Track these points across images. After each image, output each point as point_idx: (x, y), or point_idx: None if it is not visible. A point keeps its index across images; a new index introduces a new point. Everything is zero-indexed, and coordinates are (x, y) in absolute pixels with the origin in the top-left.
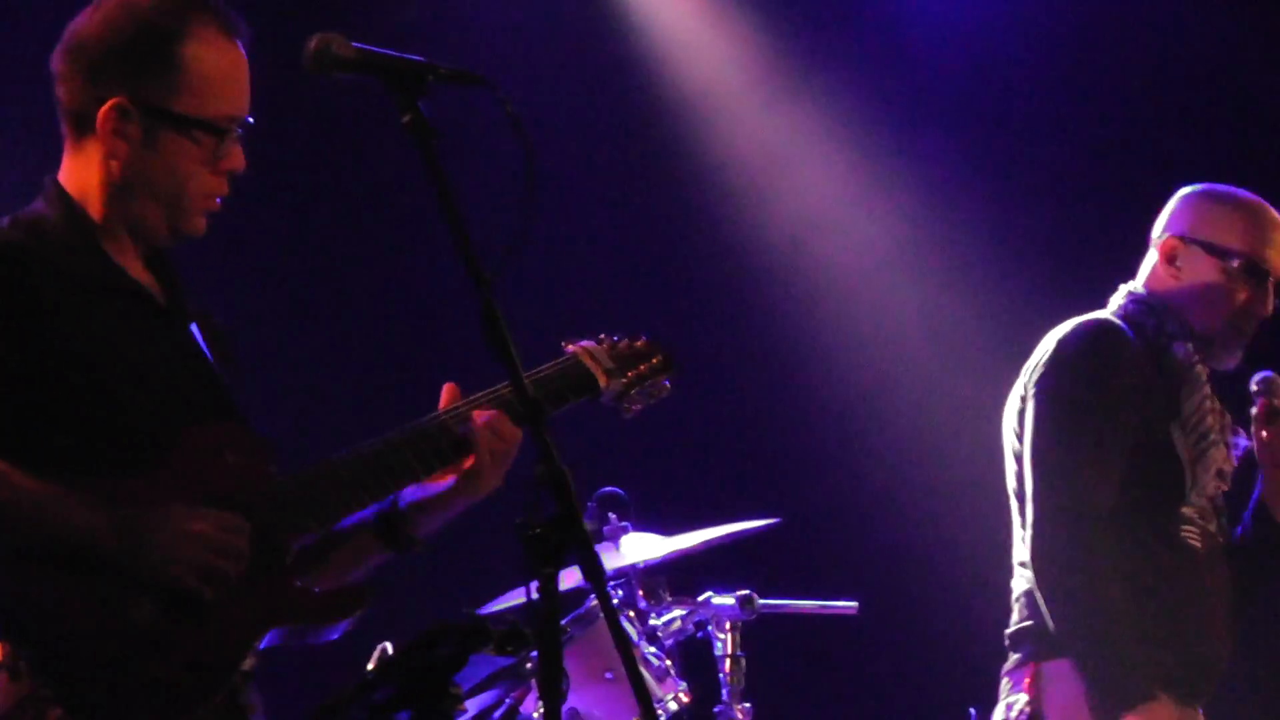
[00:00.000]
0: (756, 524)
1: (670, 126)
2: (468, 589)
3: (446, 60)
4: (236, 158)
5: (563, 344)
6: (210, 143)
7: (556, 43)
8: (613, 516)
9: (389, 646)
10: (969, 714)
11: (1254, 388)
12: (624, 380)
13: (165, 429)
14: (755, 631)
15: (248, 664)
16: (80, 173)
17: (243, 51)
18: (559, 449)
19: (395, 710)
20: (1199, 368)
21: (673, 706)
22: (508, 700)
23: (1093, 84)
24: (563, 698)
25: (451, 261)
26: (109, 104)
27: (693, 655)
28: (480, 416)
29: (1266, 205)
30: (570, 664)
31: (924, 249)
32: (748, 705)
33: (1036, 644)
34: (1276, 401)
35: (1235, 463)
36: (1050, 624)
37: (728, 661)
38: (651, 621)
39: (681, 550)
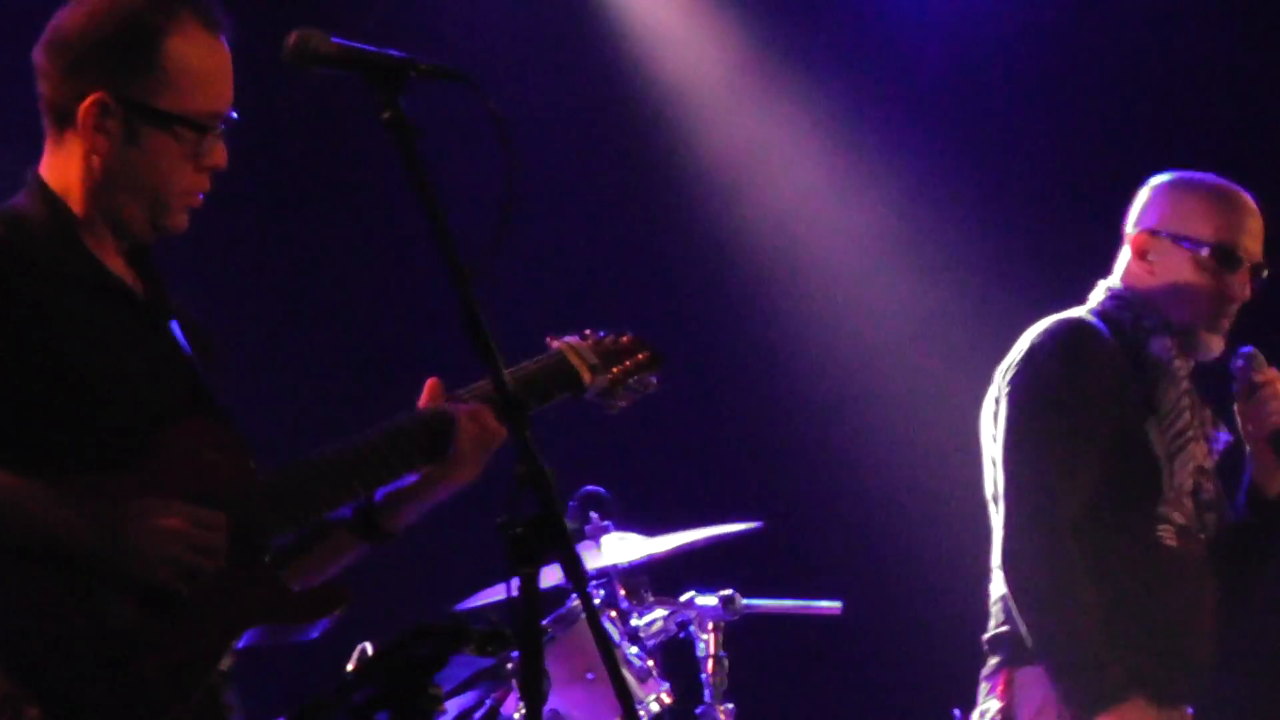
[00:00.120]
0: (737, 527)
1: (652, 122)
2: (447, 588)
3: (426, 56)
4: (219, 154)
5: (547, 339)
6: (192, 139)
7: (537, 39)
8: (594, 515)
9: (369, 647)
10: (953, 715)
11: (1236, 363)
12: (609, 376)
13: (145, 426)
14: (738, 632)
15: (226, 663)
16: (62, 167)
17: (226, 47)
18: (540, 447)
19: (375, 711)
20: (1177, 363)
21: (655, 707)
22: (488, 701)
23: (1078, 75)
24: (544, 698)
25: (434, 257)
26: (90, 99)
27: (675, 655)
28: (463, 408)
29: (1235, 189)
30: (551, 664)
31: (910, 246)
32: (730, 706)
33: (1011, 649)
34: (1257, 376)
35: (1216, 458)
36: (1023, 629)
37: (710, 662)
38: (633, 621)
39: (664, 550)
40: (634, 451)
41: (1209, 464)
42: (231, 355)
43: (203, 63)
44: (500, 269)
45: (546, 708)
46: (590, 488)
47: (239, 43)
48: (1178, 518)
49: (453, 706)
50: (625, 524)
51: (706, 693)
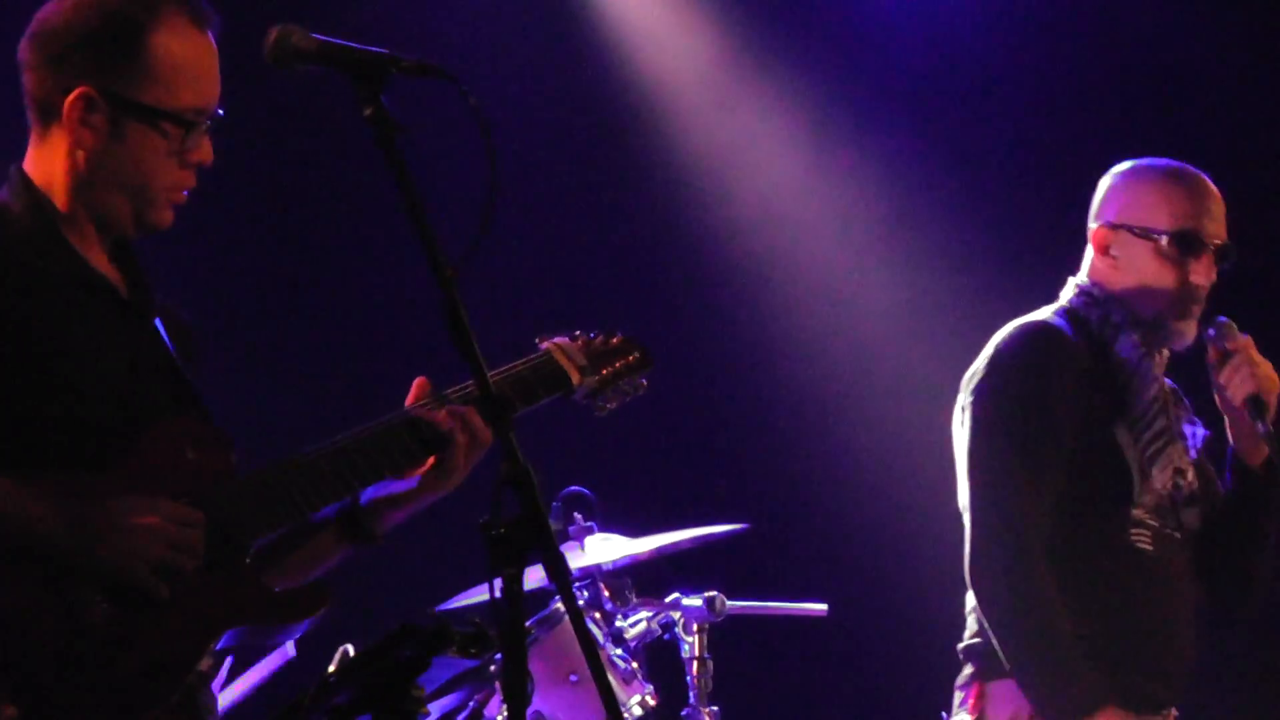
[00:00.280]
0: (722, 529)
1: (634, 120)
2: (430, 589)
3: (408, 53)
4: (204, 150)
5: (536, 340)
6: (178, 134)
7: (519, 37)
8: (578, 516)
9: (350, 648)
10: (940, 718)
11: (1208, 333)
12: (598, 378)
13: (126, 424)
14: (723, 633)
15: (205, 664)
16: (46, 162)
17: (213, 42)
18: (524, 447)
19: (357, 713)
20: (1147, 360)
21: (638, 710)
22: (471, 703)
23: (1058, 68)
24: (527, 700)
25: (419, 255)
26: (75, 93)
27: (659, 657)
28: (452, 411)
29: (1190, 172)
30: (535, 666)
31: (896, 244)
32: (715, 708)
33: (982, 662)
34: (1228, 344)
35: (1194, 454)
36: (994, 643)
37: (695, 664)
38: (617, 623)
39: (648, 552)
40: (618, 452)
41: (1186, 464)
42: (215, 353)
43: (189, 57)
44: (481, 266)
45: (530, 710)
46: (574, 488)
47: (222, 39)
48: (1152, 521)
49: (436, 709)
50: (609, 525)
51: (691, 695)
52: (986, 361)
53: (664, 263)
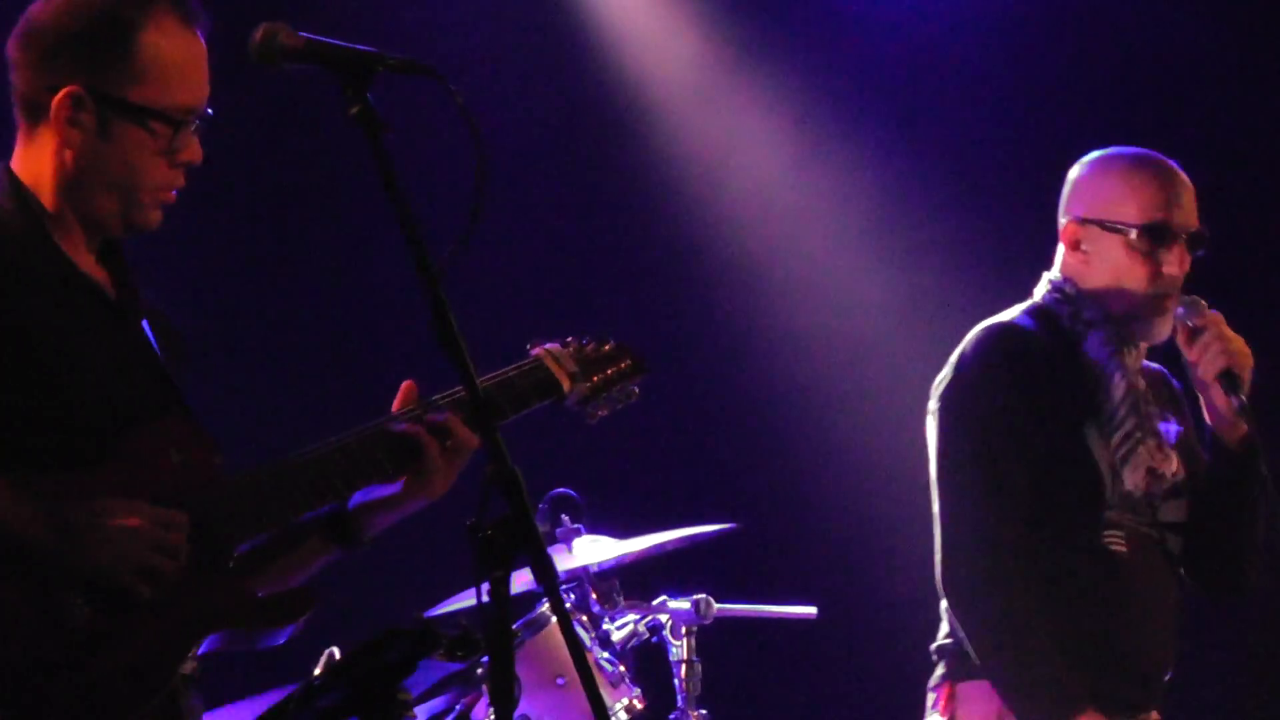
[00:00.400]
0: (711, 529)
1: (621, 118)
2: (416, 592)
3: (395, 52)
4: (193, 150)
5: (527, 346)
6: (166, 134)
7: (506, 35)
8: (565, 518)
9: (336, 651)
10: None
11: (1177, 311)
12: (589, 384)
13: (111, 426)
14: (711, 636)
15: (188, 667)
16: (34, 161)
17: (202, 41)
18: (510, 448)
19: (342, 716)
20: (1117, 358)
21: (624, 716)
22: (458, 706)
23: (1043, 60)
24: (514, 704)
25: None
26: (63, 92)
27: (647, 660)
28: (432, 419)
29: (1157, 160)
30: (521, 669)
31: (882, 243)
32: (703, 712)
33: (952, 663)
34: (1197, 321)
35: (1168, 451)
36: (969, 649)
37: (683, 667)
38: (605, 626)
39: (635, 553)
40: (605, 453)
41: (1159, 462)
42: (202, 355)
43: (178, 56)
44: (466, 264)
45: (517, 713)
46: (561, 490)
47: (211, 38)
48: (1127, 521)
49: (422, 712)
50: (596, 527)
51: (679, 698)
52: (950, 368)
53: (650, 261)
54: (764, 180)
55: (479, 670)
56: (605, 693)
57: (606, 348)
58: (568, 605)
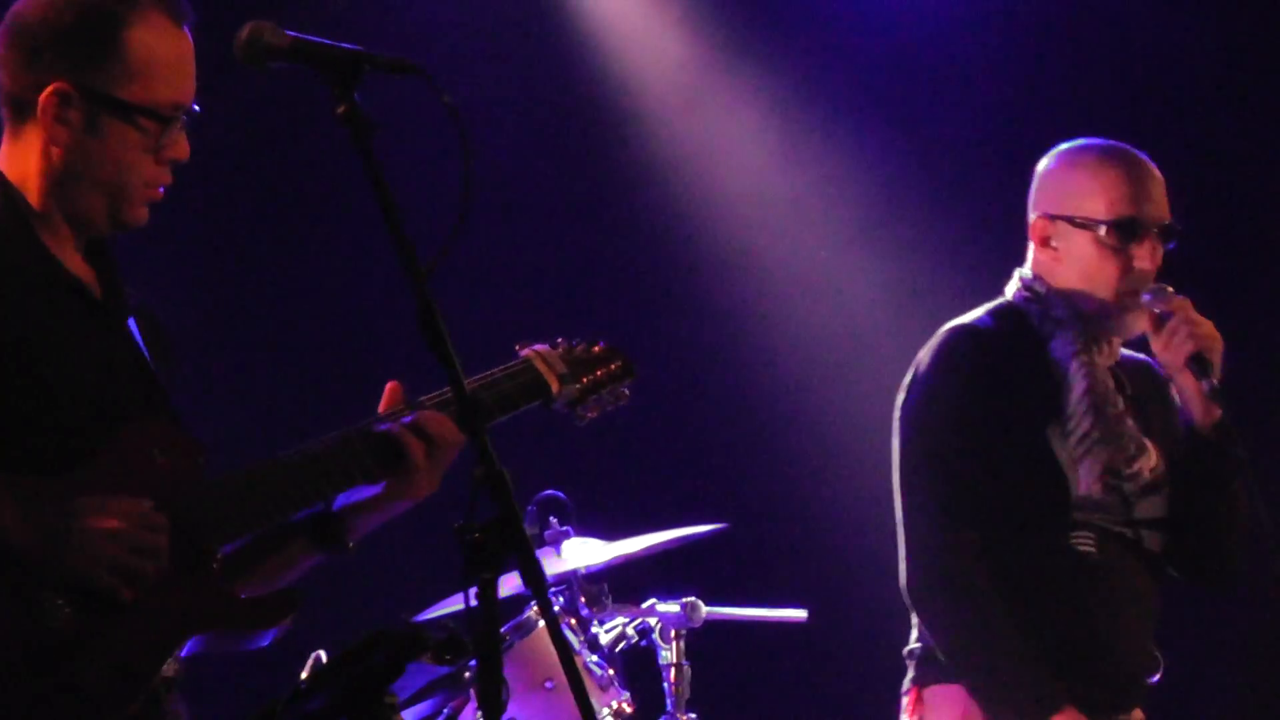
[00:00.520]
0: (702, 529)
1: (609, 118)
2: (404, 595)
3: (382, 50)
4: (181, 146)
5: (516, 347)
6: (154, 130)
7: (493, 34)
8: (554, 520)
9: (323, 654)
10: None
11: (1144, 298)
12: (578, 386)
13: (95, 427)
14: (701, 639)
15: (170, 670)
16: (20, 159)
17: (189, 38)
18: (498, 450)
19: None
20: (1082, 357)
21: (613, 718)
22: (446, 709)
23: (1030, 57)
24: (502, 708)
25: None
26: (50, 89)
27: (636, 664)
28: (415, 420)
29: (1125, 153)
30: (510, 672)
31: (870, 242)
32: (693, 716)
33: (920, 668)
34: (1164, 307)
35: (1142, 447)
36: (941, 656)
37: (672, 670)
38: (593, 629)
39: (624, 556)
40: (594, 456)
41: (1121, 461)
42: (190, 354)
43: (165, 52)
44: (454, 267)
45: (505, 717)
46: (549, 492)
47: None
48: (1097, 521)
49: (410, 715)
50: (585, 529)
51: (668, 702)
52: (911, 374)
53: (639, 261)
54: (754, 179)
55: (467, 674)
56: (594, 696)
57: (596, 349)
58: (556, 608)
